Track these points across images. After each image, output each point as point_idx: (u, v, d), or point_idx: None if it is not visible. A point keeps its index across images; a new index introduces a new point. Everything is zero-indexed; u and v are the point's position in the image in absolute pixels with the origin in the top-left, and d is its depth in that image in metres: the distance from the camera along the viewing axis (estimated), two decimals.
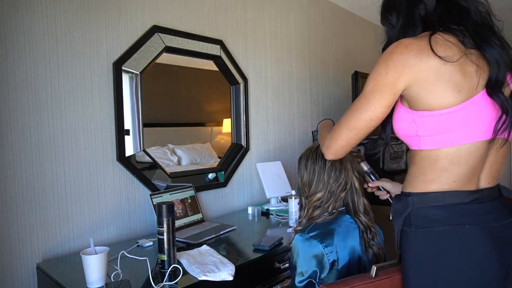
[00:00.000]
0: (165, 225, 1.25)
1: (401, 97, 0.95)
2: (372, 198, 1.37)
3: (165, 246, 1.26)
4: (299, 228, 1.25)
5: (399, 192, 1.25)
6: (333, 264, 1.15)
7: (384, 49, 0.98)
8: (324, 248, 1.15)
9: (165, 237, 1.25)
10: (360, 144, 2.67)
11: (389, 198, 1.26)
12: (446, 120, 0.87)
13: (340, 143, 1.03)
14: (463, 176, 0.90)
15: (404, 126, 0.95)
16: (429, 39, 0.87)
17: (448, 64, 0.85)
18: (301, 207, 1.33)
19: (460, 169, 0.89)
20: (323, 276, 1.15)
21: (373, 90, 0.93)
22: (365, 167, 1.29)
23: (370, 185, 1.30)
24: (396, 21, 0.99)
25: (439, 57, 0.85)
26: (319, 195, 1.25)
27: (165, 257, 1.26)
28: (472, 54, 0.88)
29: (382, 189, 1.28)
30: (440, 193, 0.90)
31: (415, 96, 0.90)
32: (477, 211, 0.90)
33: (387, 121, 1.00)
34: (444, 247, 0.89)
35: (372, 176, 1.29)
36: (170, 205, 1.27)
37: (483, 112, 0.87)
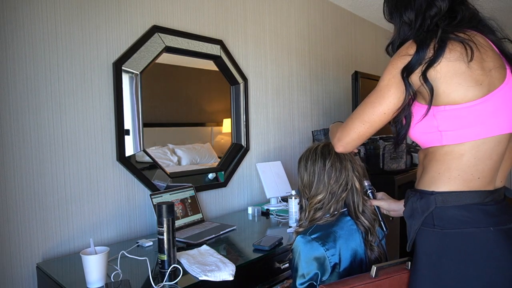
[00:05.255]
0: (165, 225, 1.25)
1: (417, 94, 0.94)
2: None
3: (165, 246, 1.26)
4: (301, 229, 1.23)
5: (396, 211, 1.23)
6: (334, 267, 1.14)
7: (398, 47, 0.98)
8: (325, 251, 1.13)
9: (165, 237, 1.25)
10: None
11: (376, 208, 1.25)
12: (470, 113, 0.86)
13: (352, 136, 1.03)
14: (487, 172, 0.89)
15: (423, 123, 0.93)
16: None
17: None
18: (302, 207, 1.31)
19: (485, 165, 0.88)
20: (324, 278, 1.14)
21: (389, 84, 0.93)
22: (366, 183, 1.27)
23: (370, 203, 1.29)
24: (414, 21, 0.97)
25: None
26: (320, 197, 1.22)
27: (165, 257, 1.26)
28: (487, 51, 0.89)
29: (376, 209, 1.26)
30: (463, 192, 0.89)
31: (435, 91, 0.89)
32: (495, 212, 0.89)
33: (399, 120, 0.99)
34: (471, 250, 0.87)
35: (370, 195, 1.26)
36: (170, 205, 1.27)
37: (507, 104, 0.87)
